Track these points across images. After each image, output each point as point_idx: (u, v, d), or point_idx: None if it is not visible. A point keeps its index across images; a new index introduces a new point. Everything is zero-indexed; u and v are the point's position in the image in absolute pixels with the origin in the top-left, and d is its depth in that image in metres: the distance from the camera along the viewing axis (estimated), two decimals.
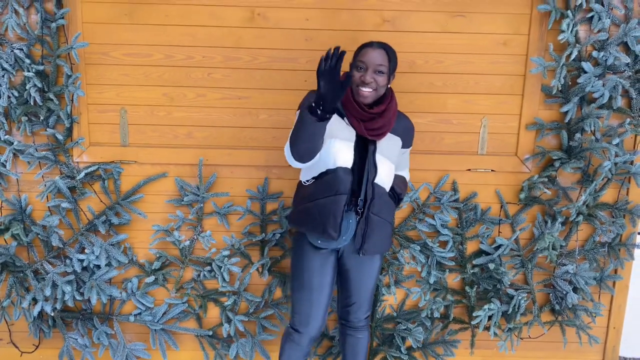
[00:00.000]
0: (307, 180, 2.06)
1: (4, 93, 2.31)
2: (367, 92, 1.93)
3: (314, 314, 2.09)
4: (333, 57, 1.67)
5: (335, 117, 2.00)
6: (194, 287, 2.58)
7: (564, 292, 2.53)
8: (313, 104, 1.77)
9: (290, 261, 2.21)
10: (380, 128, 1.98)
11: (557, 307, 2.57)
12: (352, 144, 1.99)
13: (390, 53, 1.96)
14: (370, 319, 2.35)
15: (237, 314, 2.57)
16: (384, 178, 2.03)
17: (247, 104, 2.42)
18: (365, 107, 1.96)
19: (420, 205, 2.51)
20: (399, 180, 2.17)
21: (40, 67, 2.29)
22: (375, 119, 1.97)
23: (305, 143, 1.85)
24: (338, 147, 1.97)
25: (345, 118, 2.01)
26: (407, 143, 2.16)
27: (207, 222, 2.52)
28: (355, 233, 2.03)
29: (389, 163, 2.04)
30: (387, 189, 2.06)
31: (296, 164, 1.95)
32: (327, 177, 1.98)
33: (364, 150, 2.01)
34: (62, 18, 2.26)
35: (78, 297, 2.47)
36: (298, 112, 2.01)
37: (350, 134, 2.00)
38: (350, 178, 1.96)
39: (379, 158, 2.01)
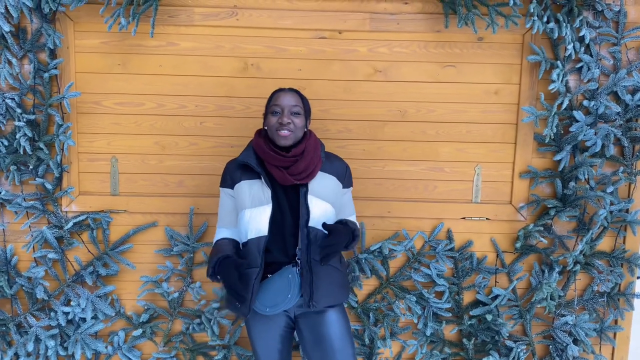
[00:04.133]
0: None
1: None
2: (286, 133, 1.89)
3: None
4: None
5: (247, 182, 1.95)
6: (182, 340, 2.49)
7: (564, 344, 2.46)
8: (210, 269, 1.91)
9: None
10: (305, 170, 1.91)
11: (557, 359, 2.50)
12: (268, 206, 1.90)
13: (301, 96, 1.98)
14: None
15: None
16: (319, 219, 1.91)
17: (239, 153, 2.40)
18: (283, 153, 1.90)
19: (415, 254, 2.47)
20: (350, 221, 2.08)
21: (32, 117, 2.28)
22: (297, 162, 1.90)
23: None
24: (248, 217, 1.92)
25: (261, 178, 1.94)
26: (346, 183, 2.07)
27: (197, 272, 2.46)
28: (301, 287, 1.88)
29: (323, 203, 1.94)
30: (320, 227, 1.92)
31: None
32: (244, 249, 1.94)
33: (293, 196, 1.93)
34: (55, 68, 2.27)
35: (62, 352, 2.38)
36: (220, 188, 2.04)
37: (265, 194, 1.92)
38: (263, 247, 1.89)
39: (311, 199, 1.91)
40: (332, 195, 1.99)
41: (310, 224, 1.90)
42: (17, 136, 2.27)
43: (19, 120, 2.27)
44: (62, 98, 2.25)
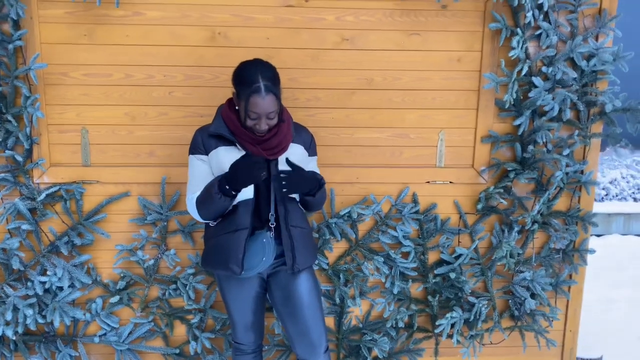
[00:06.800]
0: (215, 221, 2.06)
1: None
2: (262, 132, 1.93)
3: (243, 331, 2.16)
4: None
5: (224, 149, 1.99)
6: (159, 305, 2.57)
7: (522, 298, 2.62)
8: (224, 185, 1.86)
9: None
10: (278, 145, 1.97)
11: (516, 312, 2.66)
12: None
13: (277, 92, 1.90)
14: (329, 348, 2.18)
15: (203, 331, 2.57)
16: None
17: (209, 122, 2.43)
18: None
19: (383, 217, 2.57)
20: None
21: None
22: (270, 139, 1.95)
23: (216, 213, 1.97)
24: None
25: (236, 145, 1.99)
26: (311, 151, 2.16)
27: (171, 240, 2.53)
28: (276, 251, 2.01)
29: None
30: (297, 197, 2.06)
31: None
32: (228, 214, 2.00)
33: (267, 163, 1.97)
34: (19, 39, 2.24)
35: (40, 320, 2.43)
36: (190, 156, 2.04)
37: None
38: (252, 209, 1.97)
39: (282, 169, 1.97)
40: (299, 164, 2.05)
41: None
42: None
43: None
44: (28, 69, 2.24)
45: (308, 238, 2.11)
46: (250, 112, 1.89)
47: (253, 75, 1.88)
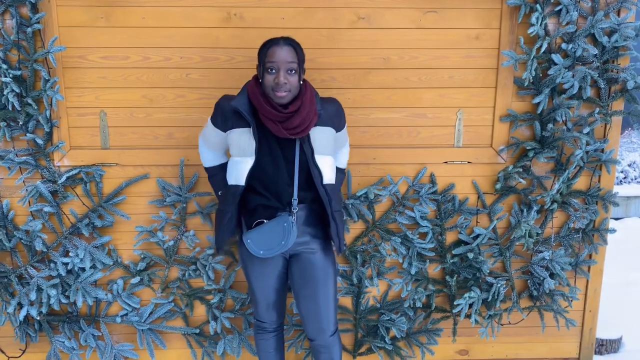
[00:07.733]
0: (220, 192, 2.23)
1: None
2: (283, 94, 1.89)
3: (265, 309, 2.20)
4: None
5: (238, 131, 2.00)
6: (179, 286, 2.60)
7: (541, 278, 2.61)
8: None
9: None
10: (300, 125, 1.93)
11: (535, 293, 2.65)
12: (251, 159, 1.97)
13: (297, 48, 1.92)
14: (338, 332, 2.25)
15: (223, 311, 2.61)
16: (329, 175, 2.03)
17: None
18: (280, 108, 1.92)
19: (400, 198, 2.57)
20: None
21: (18, 72, 2.29)
22: (292, 118, 1.92)
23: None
24: (231, 164, 2.05)
25: (251, 128, 1.98)
26: (339, 126, 2.12)
27: (190, 221, 2.55)
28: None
29: (328, 158, 2.03)
30: (333, 181, 2.07)
31: None
32: (225, 191, 2.10)
33: (289, 147, 1.99)
34: (38, 22, 2.26)
35: (64, 301, 2.48)
36: (210, 121, 2.09)
37: (250, 146, 1.97)
38: (239, 197, 2.01)
39: (319, 159, 1.99)
40: (331, 146, 2.08)
41: (324, 182, 2.01)
42: (5, 92, 2.29)
43: (5, 76, 2.28)
44: (47, 53, 2.26)
45: (343, 219, 2.19)
46: (267, 63, 1.88)
47: (273, 38, 1.94)
